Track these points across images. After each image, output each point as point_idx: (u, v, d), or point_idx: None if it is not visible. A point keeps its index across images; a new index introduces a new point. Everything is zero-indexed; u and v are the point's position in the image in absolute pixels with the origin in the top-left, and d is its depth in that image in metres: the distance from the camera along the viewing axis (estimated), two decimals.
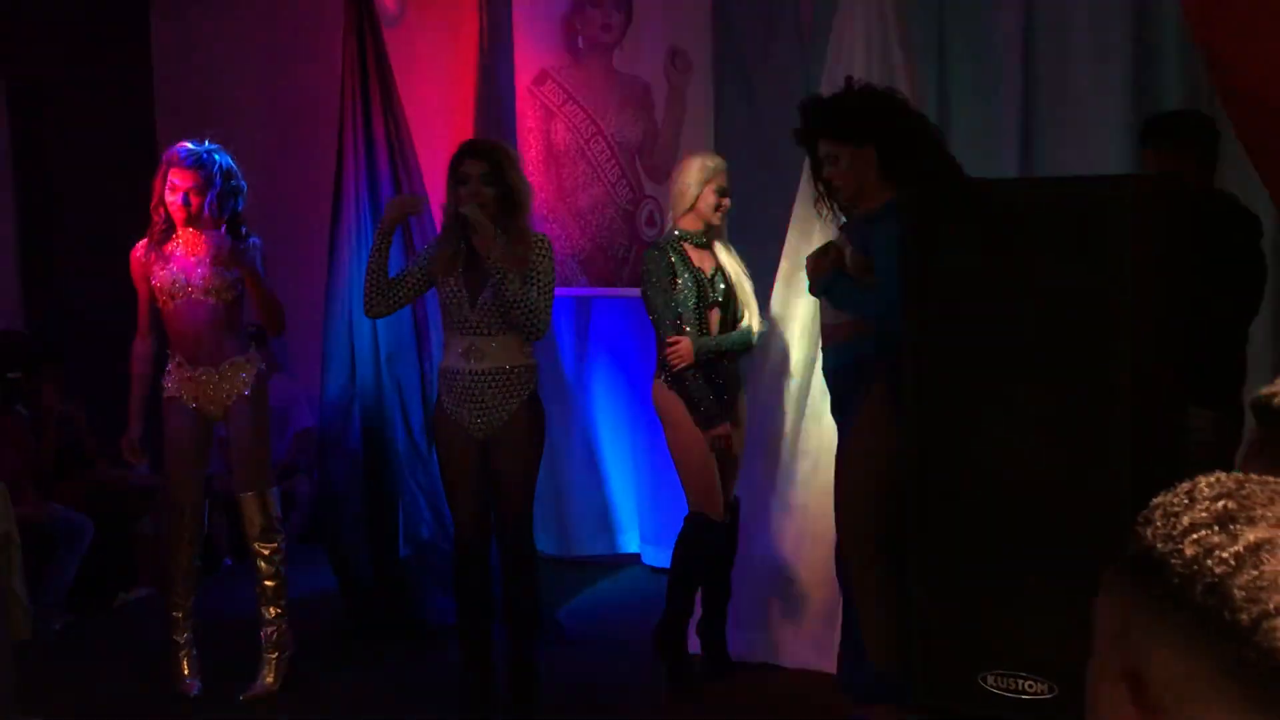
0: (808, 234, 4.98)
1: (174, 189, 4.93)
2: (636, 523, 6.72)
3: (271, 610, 5.17)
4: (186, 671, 5.16)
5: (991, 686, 3.67)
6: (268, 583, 5.16)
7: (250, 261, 4.95)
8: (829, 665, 4.82)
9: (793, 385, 5.09)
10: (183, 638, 5.16)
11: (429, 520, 5.83)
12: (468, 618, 4.83)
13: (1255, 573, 1.03)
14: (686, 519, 5.01)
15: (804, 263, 4.43)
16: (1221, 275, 4.14)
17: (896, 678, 4.19)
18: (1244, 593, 1.03)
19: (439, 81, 6.46)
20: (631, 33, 6.03)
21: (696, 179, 4.92)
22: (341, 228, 5.72)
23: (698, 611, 5.20)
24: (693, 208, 4.93)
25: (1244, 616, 1.03)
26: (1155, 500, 1.12)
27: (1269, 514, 1.07)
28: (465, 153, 4.62)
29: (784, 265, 5.09)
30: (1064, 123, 5.53)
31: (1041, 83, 5.56)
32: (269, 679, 5.15)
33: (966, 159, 5.48)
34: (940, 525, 3.77)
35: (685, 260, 4.91)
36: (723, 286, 4.96)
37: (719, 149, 5.60)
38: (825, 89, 4.70)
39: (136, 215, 7.23)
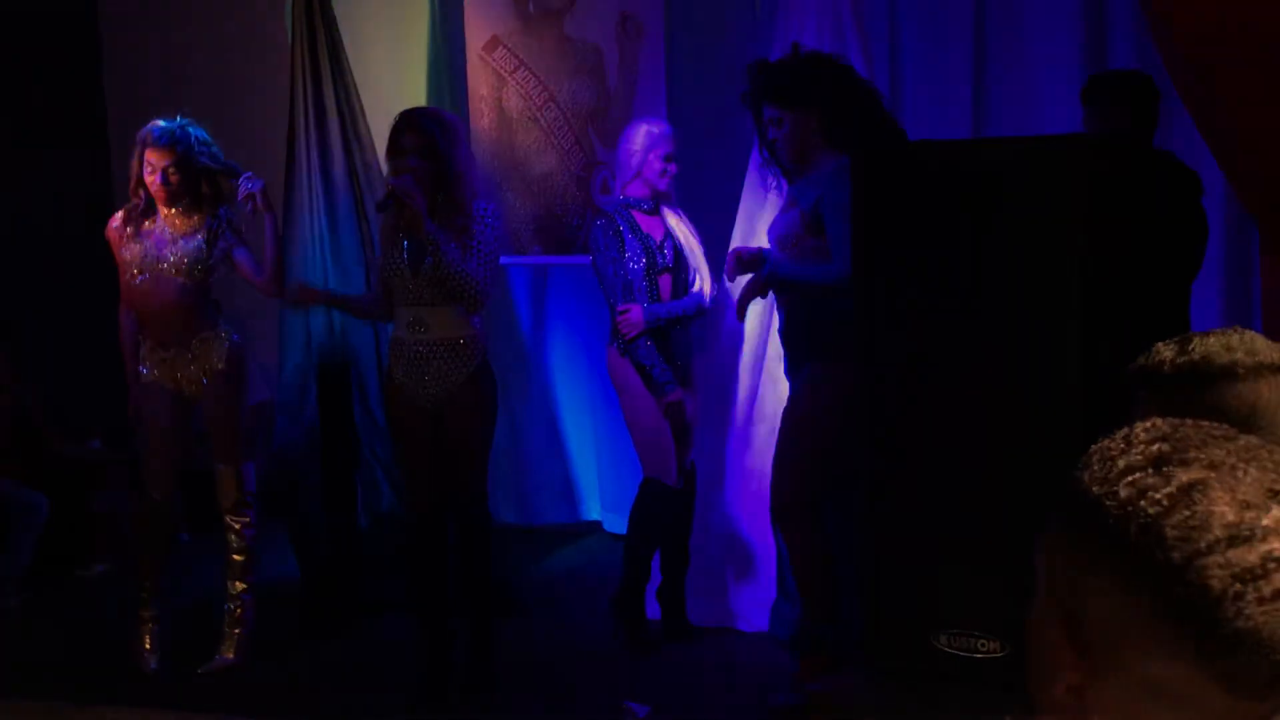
0: (760, 199, 4.98)
1: (152, 168, 4.91)
2: (597, 490, 6.73)
3: (238, 585, 5.16)
4: (148, 646, 5.14)
5: (945, 646, 3.70)
6: (236, 557, 5.15)
7: (272, 224, 4.99)
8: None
9: (748, 350, 5.10)
10: (148, 613, 5.15)
11: (386, 492, 5.82)
12: (424, 589, 4.84)
13: (1187, 512, 1.05)
14: (641, 485, 5.03)
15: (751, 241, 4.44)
16: (1161, 233, 4.17)
17: (829, 631, 4.26)
18: (1176, 532, 1.05)
19: (390, 49, 6.41)
20: None
21: (641, 145, 4.92)
22: (294, 197, 5.67)
23: (657, 578, 5.23)
24: (639, 174, 4.93)
25: (1176, 555, 1.04)
26: (1094, 446, 1.13)
27: (1202, 456, 1.08)
28: (400, 125, 4.62)
29: (738, 230, 5.09)
30: (1016, 91, 5.55)
31: (992, 51, 5.57)
32: (229, 654, 5.15)
33: (918, 128, 5.53)
34: (892, 485, 3.78)
35: (635, 227, 4.92)
36: (672, 252, 4.96)
37: (671, 115, 5.59)
38: (776, 55, 4.70)
39: (84, 189, 7.19)
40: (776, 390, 4.87)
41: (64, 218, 7.11)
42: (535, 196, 6.11)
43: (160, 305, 4.98)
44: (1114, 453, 1.11)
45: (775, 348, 4.78)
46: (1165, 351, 1.91)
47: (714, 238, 5.10)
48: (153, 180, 4.92)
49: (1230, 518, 1.05)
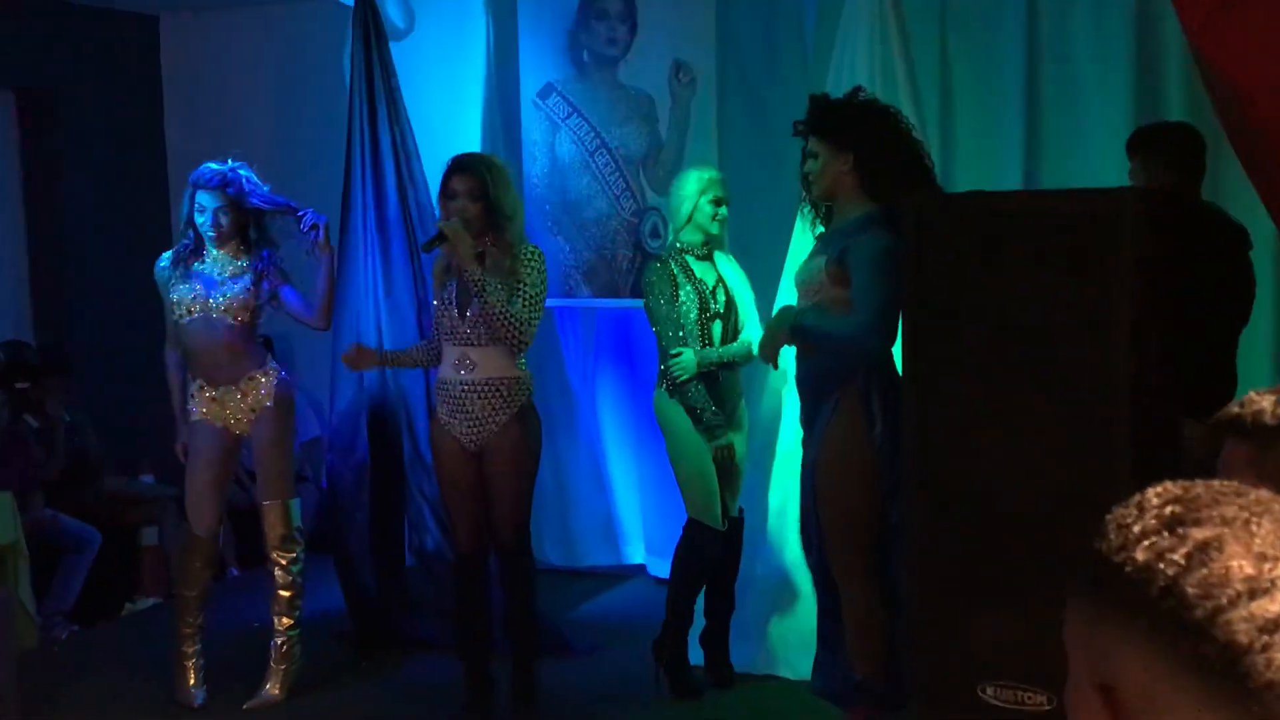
0: (810, 246, 5.00)
1: (202, 210, 4.99)
2: (642, 533, 6.72)
3: (284, 621, 5.20)
4: (191, 682, 5.18)
5: (990, 698, 3.67)
6: (283, 593, 5.19)
7: (329, 262, 5.09)
8: None
9: (792, 396, 5.11)
10: (190, 649, 5.19)
11: (433, 530, 5.86)
12: (467, 629, 4.87)
13: (1205, 570, 1.06)
14: (685, 528, 5.03)
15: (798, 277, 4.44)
16: (1210, 287, 4.16)
17: (878, 685, 4.22)
18: (1197, 590, 1.05)
19: (446, 94, 6.50)
20: (636, 46, 6.05)
21: (692, 190, 4.98)
22: (349, 239, 5.76)
23: (701, 622, 5.22)
24: (690, 219, 4.98)
25: (1199, 613, 1.05)
26: (1108, 516, 1.15)
27: (1214, 514, 1.09)
28: (452, 169, 4.71)
29: (786, 277, 5.11)
30: (1067, 132, 5.54)
31: (1044, 93, 5.57)
32: (275, 690, 5.18)
33: (970, 169, 5.55)
34: (938, 536, 3.77)
35: (687, 272, 4.95)
36: (723, 298, 5.00)
37: (723, 162, 5.63)
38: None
39: (145, 227, 7.31)
40: None
41: (122, 255, 7.22)
42: (586, 241, 6.16)
43: (209, 345, 5.05)
44: (1128, 519, 1.13)
45: None
46: (1263, 400, 1.90)
47: (764, 283, 5.13)
48: (202, 221, 5.01)
49: (1249, 571, 1.05)
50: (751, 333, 5.01)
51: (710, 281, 4.99)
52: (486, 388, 4.67)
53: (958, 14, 5.68)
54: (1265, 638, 1.03)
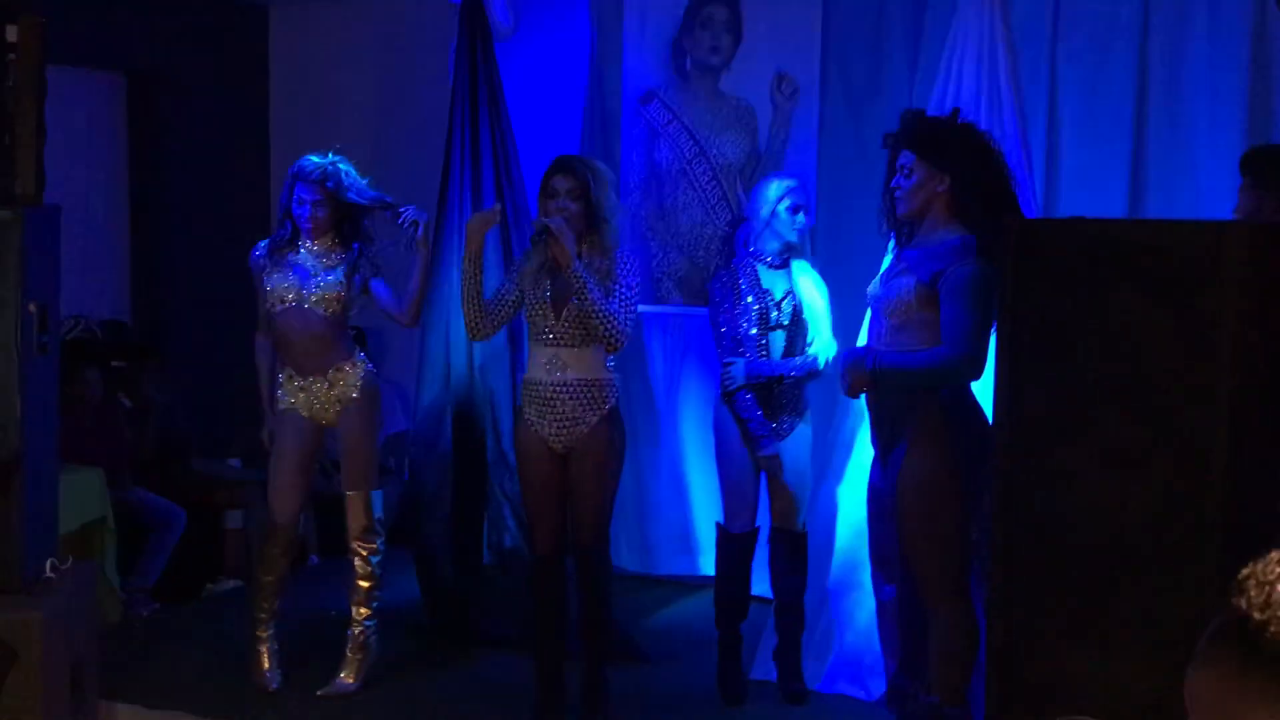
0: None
1: (301, 202, 5.06)
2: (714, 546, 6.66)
3: (362, 611, 5.23)
4: (266, 665, 5.23)
5: None
6: (362, 583, 5.22)
7: (423, 259, 5.13)
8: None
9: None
10: (265, 633, 5.24)
11: (512, 529, 5.87)
12: (542, 629, 4.87)
13: None
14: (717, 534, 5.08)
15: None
16: None
17: (955, 711, 4.16)
18: None
19: (547, 96, 6.53)
20: (740, 55, 6.04)
21: (770, 196, 4.97)
22: (444, 237, 5.80)
23: (773, 638, 5.21)
24: (769, 225, 4.97)
25: None
26: (1244, 571, 1.11)
27: None
28: (554, 169, 4.74)
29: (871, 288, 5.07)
30: (1175, 162, 5.45)
31: (1152, 121, 5.48)
32: (349, 679, 5.21)
33: (1074, 195, 5.47)
34: (1023, 564, 3.71)
35: (755, 282, 4.94)
36: (790, 310, 4.96)
37: (822, 175, 5.60)
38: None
39: (245, 216, 7.42)
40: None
41: (221, 241, 7.32)
42: (679, 248, 6.16)
43: (300, 335, 5.10)
44: (1271, 577, 1.10)
45: None
46: None
47: (857, 299, 5.07)
48: (300, 213, 5.07)
49: None
50: (820, 348, 4.97)
51: (778, 292, 4.97)
52: (578, 388, 4.67)
53: (1068, 38, 5.61)
54: None
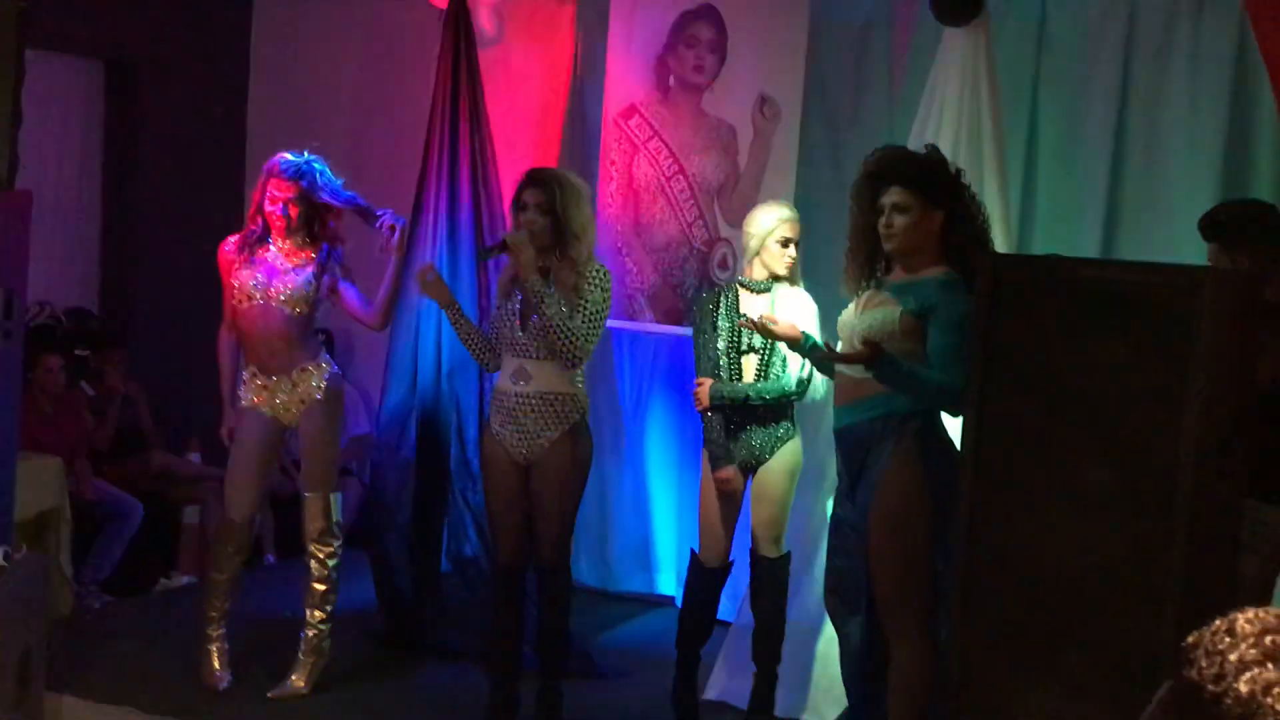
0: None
1: (273, 199, 5.03)
2: (675, 566, 6.64)
3: (316, 614, 5.19)
4: (217, 665, 5.19)
5: None
6: (317, 586, 5.19)
7: (396, 265, 5.13)
8: None
9: None
10: (216, 632, 5.20)
11: (473, 539, 5.84)
12: (499, 642, 4.85)
13: None
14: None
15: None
16: None
17: None
18: None
19: (529, 105, 6.51)
20: (723, 76, 6.03)
21: (761, 228, 4.95)
22: (417, 241, 5.75)
23: (730, 659, 5.19)
24: (758, 256, 4.96)
25: None
26: (1191, 639, 1.11)
27: None
28: (525, 182, 4.77)
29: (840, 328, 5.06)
30: (1150, 203, 5.49)
31: (1130, 161, 5.52)
32: (300, 682, 5.17)
33: (1049, 231, 5.50)
34: (985, 599, 3.71)
35: (733, 306, 4.94)
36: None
37: (799, 200, 5.59)
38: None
39: (218, 209, 7.36)
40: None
41: (192, 234, 7.26)
42: (654, 265, 6.14)
43: (265, 333, 5.07)
44: (1221, 647, 1.09)
45: None
46: None
47: (827, 323, 5.07)
48: (273, 211, 5.04)
49: None
50: (791, 372, 4.95)
51: (755, 316, 4.96)
52: (540, 401, 4.67)
53: (1050, 76, 5.65)
54: None
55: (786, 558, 5.04)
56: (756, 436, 4.94)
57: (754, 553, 5.05)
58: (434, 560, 5.84)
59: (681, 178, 6.05)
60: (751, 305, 4.97)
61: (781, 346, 4.89)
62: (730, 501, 4.96)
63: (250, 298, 5.05)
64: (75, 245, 7.58)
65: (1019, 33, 5.67)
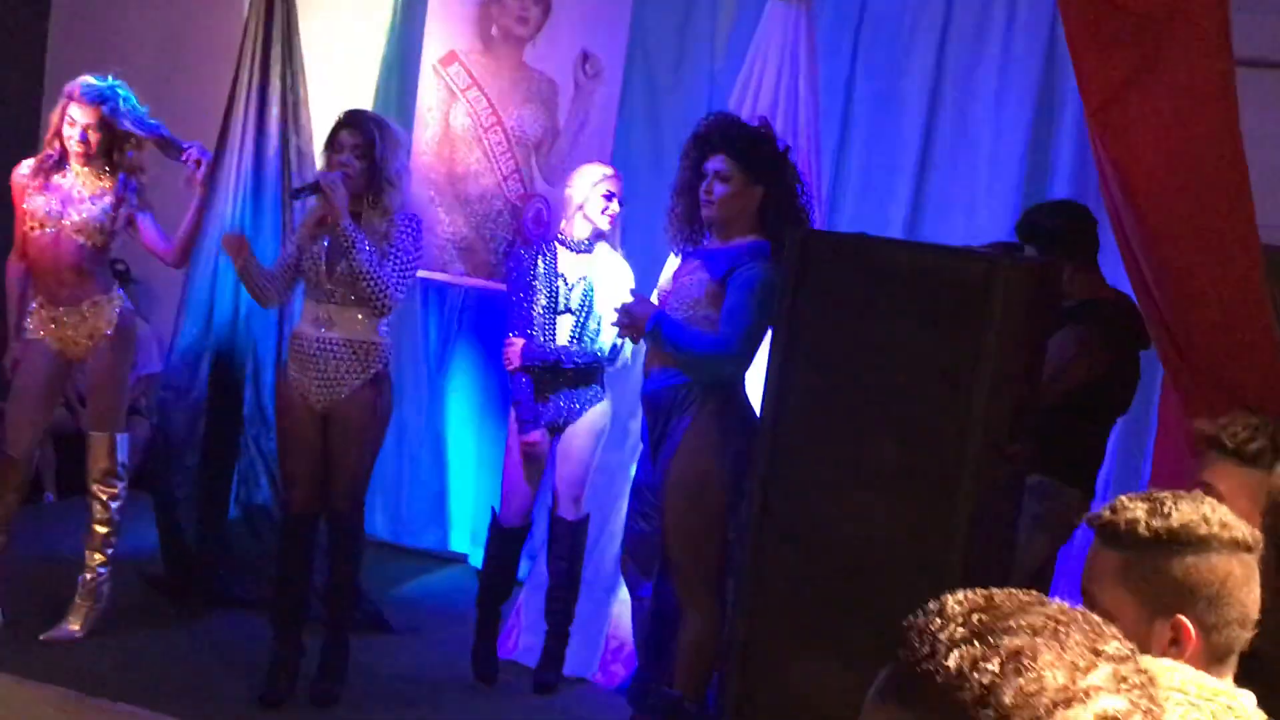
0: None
1: (72, 123, 4.86)
2: (470, 523, 6.59)
3: (96, 557, 5.05)
4: None
5: None
6: (98, 528, 5.04)
7: (199, 200, 5.00)
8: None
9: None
10: None
11: (264, 486, 5.69)
12: (284, 590, 4.77)
13: (1020, 680, 1.06)
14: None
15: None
16: (1100, 373, 4.22)
17: (695, 707, 4.21)
18: (1014, 698, 1.05)
19: (346, 44, 6.33)
20: (547, 29, 5.95)
21: (584, 182, 4.94)
22: (220, 176, 5.55)
23: (526, 618, 5.19)
24: (580, 210, 4.93)
25: None
26: (906, 622, 1.13)
27: (1022, 623, 1.10)
28: (342, 123, 4.67)
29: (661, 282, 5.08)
30: (956, 187, 5.62)
31: (939, 145, 5.64)
32: (75, 626, 5.02)
33: (858, 206, 5.59)
34: (773, 568, 3.77)
35: (552, 264, 4.91)
36: (581, 296, 4.93)
37: (617, 161, 5.57)
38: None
39: (12, 132, 7.00)
40: None
41: None
42: (466, 217, 6.04)
43: (56, 263, 4.90)
44: (932, 627, 1.12)
45: None
46: (1136, 510, 1.94)
47: (642, 283, 5.07)
48: (71, 136, 4.87)
49: (1062, 680, 1.06)
50: (605, 337, 4.95)
51: (573, 277, 4.94)
52: (344, 348, 4.59)
53: (869, 53, 5.73)
54: None
55: (585, 520, 5.05)
56: (565, 398, 4.93)
57: (553, 513, 5.05)
58: (222, 506, 5.68)
59: (499, 130, 5.96)
60: (571, 265, 4.95)
61: (600, 308, 4.88)
62: (535, 464, 4.94)
63: (42, 225, 4.89)
64: None
65: (840, 10, 5.73)
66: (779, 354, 3.77)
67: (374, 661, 5.05)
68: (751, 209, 4.24)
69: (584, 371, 4.94)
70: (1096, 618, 1.13)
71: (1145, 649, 1.91)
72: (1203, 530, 1.90)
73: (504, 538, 5.04)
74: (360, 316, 4.58)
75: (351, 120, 4.66)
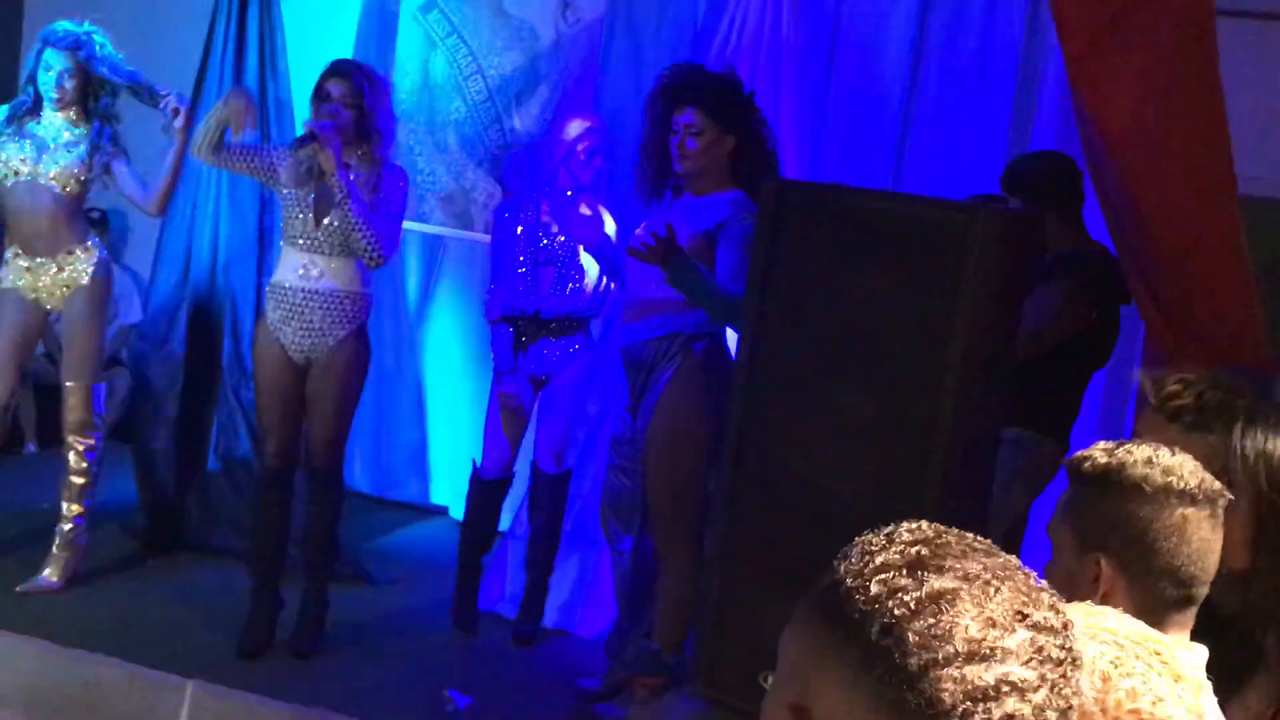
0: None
1: (47, 69, 4.81)
2: (451, 476, 6.56)
3: (73, 508, 5.02)
4: None
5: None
6: (75, 479, 5.01)
7: (177, 148, 4.88)
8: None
9: None
10: None
11: (243, 438, 5.67)
12: (262, 542, 4.75)
13: (932, 620, 1.04)
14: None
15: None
16: (1080, 326, 4.20)
17: (672, 657, 4.22)
18: (917, 638, 1.03)
19: None
20: None
21: (569, 134, 4.90)
22: (198, 124, 5.48)
23: (506, 569, 5.18)
24: (563, 164, 4.88)
25: (913, 661, 1.03)
26: (859, 537, 1.11)
27: (958, 566, 1.07)
28: (330, 72, 4.61)
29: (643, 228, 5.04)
30: (940, 140, 5.55)
31: (924, 94, 5.57)
32: (53, 577, 5.00)
33: (841, 160, 5.53)
34: (746, 518, 3.76)
35: (533, 215, 4.87)
36: (564, 247, 4.89)
37: (599, 108, 5.52)
38: (710, 66, 4.67)
39: None
40: None
41: None
42: (447, 167, 6.00)
43: (31, 212, 4.86)
44: (874, 547, 1.10)
45: None
46: (1095, 450, 1.95)
47: (624, 234, 5.03)
48: (47, 82, 4.81)
49: (974, 633, 1.03)
50: (587, 288, 4.91)
51: (555, 228, 4.90)
52: (330, 299, 4.56)
53: (853, 4, 5.65)
54: (968, 704, 1.01)
55: (567, 474, 5.04)
56: (547, 349, 4.90)
57: (535, 466, 5.03)
58: (200, 458, 5.67)
59: (479, 78, 5.90)
60: (550, 215, 4.90)
61: (582, 259, 4.84)
62: (515, 416, 4.92)
63: (16, 173, 4.84)
64: None
65: None
66: (754, 304, 3.75)
67: (354, 613, 5.04)
68: (724, 159, 4.20)
69: (566, 323, 4.90)
70: (1041, 583, 1.09)
71: (1076, 585, 1.91)
72: (1137, 472, 1.89)
73: (484, 490, 5.02)
74: (348, 267, 4.55)
75: (339, 69, 4.60)
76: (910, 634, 1.03)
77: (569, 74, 5.80)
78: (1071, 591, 1.89)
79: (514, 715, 4.44)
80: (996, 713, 1.01)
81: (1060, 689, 1.04)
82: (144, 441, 5.59)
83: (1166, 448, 1.95)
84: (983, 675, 1.01)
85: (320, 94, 4.55)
